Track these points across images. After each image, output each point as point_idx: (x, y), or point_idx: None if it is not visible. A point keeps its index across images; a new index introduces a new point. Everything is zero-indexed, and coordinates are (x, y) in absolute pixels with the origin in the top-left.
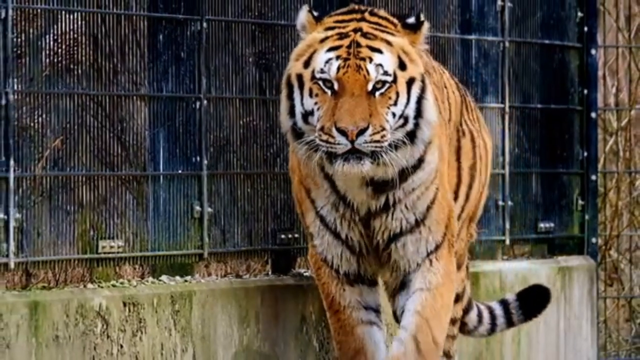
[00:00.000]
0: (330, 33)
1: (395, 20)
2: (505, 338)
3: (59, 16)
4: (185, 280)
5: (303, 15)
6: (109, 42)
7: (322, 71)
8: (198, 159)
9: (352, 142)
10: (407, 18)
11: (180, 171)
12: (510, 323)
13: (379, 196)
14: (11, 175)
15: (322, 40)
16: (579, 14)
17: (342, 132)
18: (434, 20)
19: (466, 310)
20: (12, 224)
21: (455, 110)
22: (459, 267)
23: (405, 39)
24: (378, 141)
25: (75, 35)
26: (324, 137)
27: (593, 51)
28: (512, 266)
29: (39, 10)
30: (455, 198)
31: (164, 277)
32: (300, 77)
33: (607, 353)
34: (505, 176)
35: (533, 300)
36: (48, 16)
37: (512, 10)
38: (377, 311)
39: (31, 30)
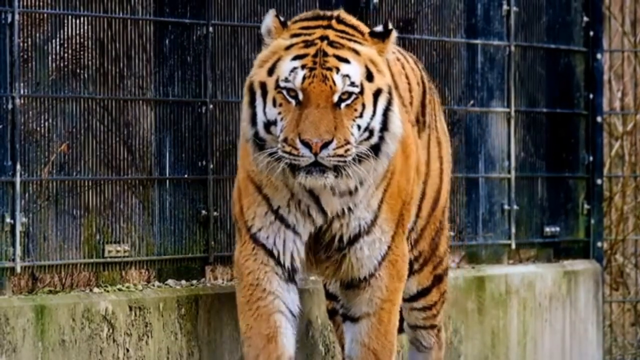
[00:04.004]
0: (295, 40)
1: (364, 28)
2: (510, 341)
3: (65, 21)
4: (191, 285)
5: (269, 20)
6: (115, 47)
7: (286, 80)
8: (204, 163)
9: (315, 154)
10: (376, 27)
11: (186, 175)
12: None
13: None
14: (17, 180)
15: (287, 48)
16: (585, 18)
17: (306, 144)
18: (439, 24)
19: None
20: (18, 228)
21: (416, 100)
22: (425, 262)
23: (374, 49)
24: (342, 155)
25: (82, 40)
26: (287, 149)
27: (599, 55)
28: (518, 270)
29: (45, 15)
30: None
31: (170, 281)
32: (263, 85)
33: (613, 357)
34: (510, 180)
35: None
36: (54, 21)
37: (518, 15)
38: (294, 316)
39: (37, 35)
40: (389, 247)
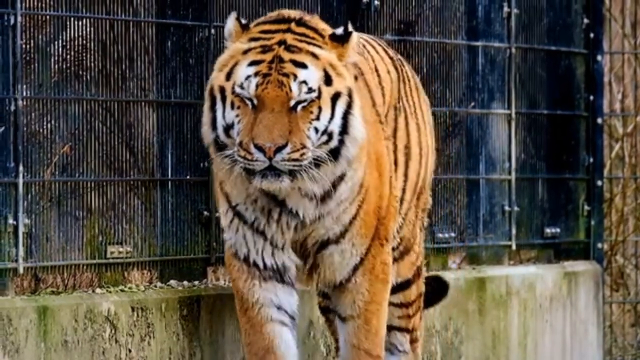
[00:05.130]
0: (253, 44)
1: (325, 31)
2: (511, 342)
3: (68, 22)
4: (193, 285)
5: (230, 23)
6: (118, 48)
7: (241, 87)
8: (206, 164)
9: (270, 159)
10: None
11: (188, 177)
12: None
13: (318, 204)
14: (20, 181)
15: (245, 52)
16: (585, 20)
17: (260, 149)
18: (440, 26)
19: None
20: (21, 229)
21: (390, 91)
22: (407, 250)
23: (333, 52)
24: (297, 159)
25: (84, 42)
26: (242, 153)
27: (599, 57)
28: (519, 271)
29: (47, 17)
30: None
31: (172, 282)
32: (222, 90)
33: (613, 358)
34: (511, 182)
35: (431, 291)
36: (57, 22)
37: (519, 17)
38: (291, 317)
39: (40, 37)
40: (363, 258)
